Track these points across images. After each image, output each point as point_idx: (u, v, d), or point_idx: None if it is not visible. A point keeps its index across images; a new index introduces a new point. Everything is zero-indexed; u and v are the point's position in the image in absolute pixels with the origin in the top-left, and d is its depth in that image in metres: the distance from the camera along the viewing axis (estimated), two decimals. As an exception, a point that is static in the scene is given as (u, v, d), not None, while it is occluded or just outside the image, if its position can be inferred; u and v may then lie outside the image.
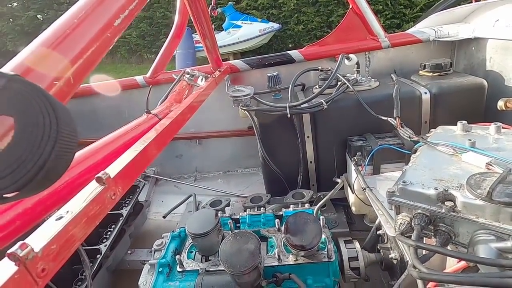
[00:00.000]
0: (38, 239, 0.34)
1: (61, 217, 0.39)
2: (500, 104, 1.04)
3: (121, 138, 0.72)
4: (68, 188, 0.53)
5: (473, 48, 1.61)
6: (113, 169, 0.51)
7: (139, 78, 1.92)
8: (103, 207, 0.45)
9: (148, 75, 1.89)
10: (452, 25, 1.65)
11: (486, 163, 0.71)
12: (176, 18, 1.77)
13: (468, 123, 0.92)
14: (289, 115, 1.36)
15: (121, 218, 1.39)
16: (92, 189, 0.45)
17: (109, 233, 1.35)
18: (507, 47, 1.38)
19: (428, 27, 1.72)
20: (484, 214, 0.61)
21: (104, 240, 1.29)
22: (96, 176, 0.46)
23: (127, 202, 1.53)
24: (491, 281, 0.45)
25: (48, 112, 0.26)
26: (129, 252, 1.44)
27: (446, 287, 0.58)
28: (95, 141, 0.74)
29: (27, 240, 0.33)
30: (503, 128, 0.86)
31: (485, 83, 1.35)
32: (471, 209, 0.62)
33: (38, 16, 8.67)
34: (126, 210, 1.45)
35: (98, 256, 1.19)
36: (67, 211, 0.40)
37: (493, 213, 0.59)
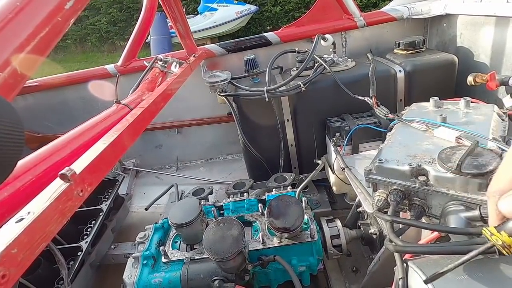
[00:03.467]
0: (-4, 245, 0.32)
1: (21, 219, 0.36)
2: (470, 79, 1.07)
3: (88, 132, 0.68)
4: (32, 187, 0.50)
5: (444, 24, 1.64)
6: (79, 164, 0.48)
7: (110, 67, 1.83)
8: (70, 205, 0.43)
9: (119, 63, 1.80)
10: (424, 2, 1.67)
11: (456, 137, 0.73)
12: (145, 2, 1.67)
13: (440, 99, 0.95)
14: (267, 99, 1.34)
15: (101, 213, 1.36)
16: (56, 187, 0.42)
17: (89, 229, 1.31)
18: (475, 23, 1.41)
19: (402, 4, 1.73)
20: (454, 186, 0.63)
21: (85, 237, 1.25)
22: (60, 173, 0.43)
23: (107, 196, 1.49)
24: (458, 248, 0.47)
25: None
26: (112, 246, 1.41)
27: (422, 256, 0.61)
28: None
29: (-18, 247, 0.31)
30: (472, 102, 0.89)
31: (456, 59, 1.38)
32: (442, 182, 0.65)
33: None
34: (106, 204, 1.41)
35: (79, 253, 1.16)
36: (29, 212, 0.37)
37: (462, 184, 0.62)
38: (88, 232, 1.29)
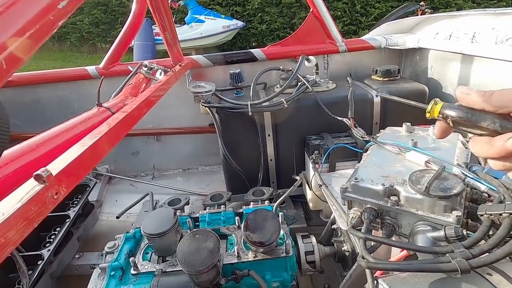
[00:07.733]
0: (-41, 246, 0.30)
1: (-11, 220, 0.34)
2: (438, 108, 1.16)
3: (67, 133, 0.66)
4: (1, 187, 0.47)
5: (417, 57, 1.77)
6: (56, 166, 0.46)
7: (91, 69, 1.78)
8: (43, 208, 0.41)
9: (101, 65, 1.76)
10: (400, 35, 1.80)
11: (425, 161, 0.78)
12: (133, 7, 1.67)
13: (412, 125, 1.01)
14: (250, 113, 1.37)
15: (67, 220, 1.28)
16: (29, 188, 0.40)
17: (53, 236, 1.23)
18: (444, 58, 1.55)
19: (380, 35, 1.85)
20: (422, 207, 0.68)
21: (47, 245, 1.17)
22: (35, 173, 0.41)
23: (75, 202, 1.41)
24: (425, 266, 0.50)
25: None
26: (77, 256, 1.33)
27: (391, 274, 0.63)
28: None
29: None
30: (440, 130, 0.96)
31: (427, 89, 1.49)
32: (412, 202, 0.69)
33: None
34: (74, 211, 1.33)
35: (39, 262, 1.08)
36: (-2, 213, 0.35)
37: (429, 205, 0.66)
38: (51, 240, 1.21)
